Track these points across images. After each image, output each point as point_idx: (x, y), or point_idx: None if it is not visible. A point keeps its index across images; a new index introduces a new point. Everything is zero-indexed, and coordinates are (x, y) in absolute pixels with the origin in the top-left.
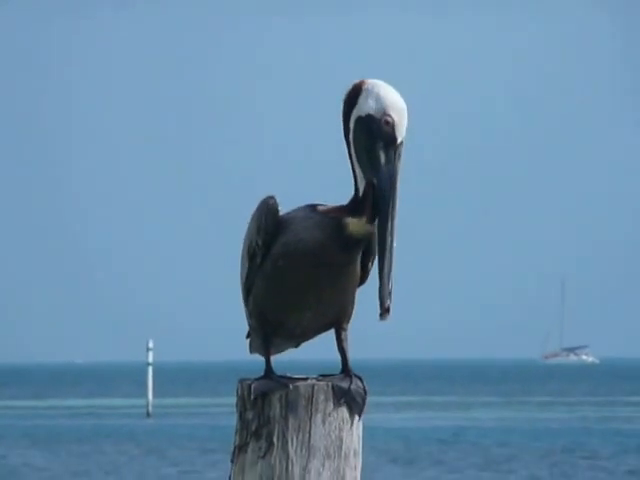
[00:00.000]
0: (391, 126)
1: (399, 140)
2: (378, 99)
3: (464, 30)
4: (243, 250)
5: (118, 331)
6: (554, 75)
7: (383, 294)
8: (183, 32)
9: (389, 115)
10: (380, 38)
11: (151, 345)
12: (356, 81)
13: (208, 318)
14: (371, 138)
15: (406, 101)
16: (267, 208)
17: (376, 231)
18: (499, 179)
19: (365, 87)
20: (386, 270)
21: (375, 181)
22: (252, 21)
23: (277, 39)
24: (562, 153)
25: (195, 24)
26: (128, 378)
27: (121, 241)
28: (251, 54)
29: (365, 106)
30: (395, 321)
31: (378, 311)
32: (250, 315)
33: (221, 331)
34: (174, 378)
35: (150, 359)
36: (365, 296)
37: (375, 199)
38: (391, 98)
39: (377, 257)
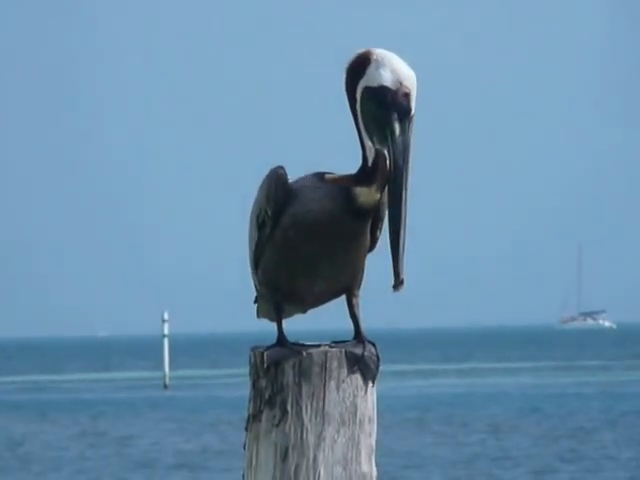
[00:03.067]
0: (408, 98)
1: (413, 111)
2: (393, 71)
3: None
4: (251, 220)
5: (142, 303)
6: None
7: (399, 266)
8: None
9: (406, 87)
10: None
11: (166, 317)
12: (361, 51)
13: (223, 288)
14: (385, 109)
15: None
16: (277, 177)
17: (389, 202)
18: (515, 143)
19: (374, 57)
20: (401, 242)
21: (389, 152)
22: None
23: (277, 8)
24: (579, 117)
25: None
26: (149, 350)
27: (137, 213)
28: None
29: (377, 77)
30: (408, 289)
31: (392, 282)
32: (260, 284)
33: (236, 301)
34: (191, 349)
35: (166, 331)
36: (376, 265)
37: (389, 170)
38: (405, 70)
39: (391, 228)
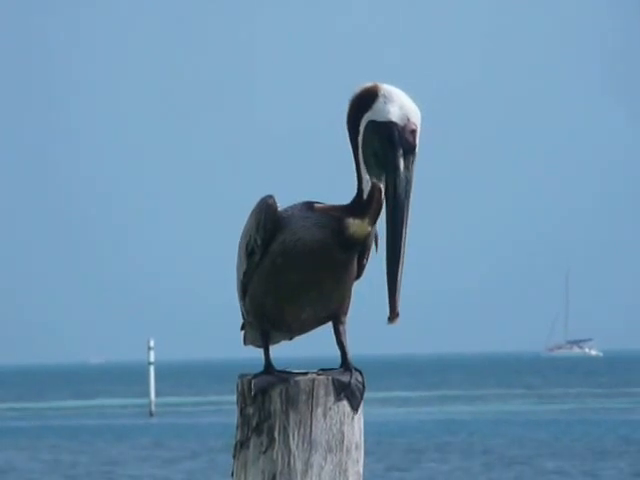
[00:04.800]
0: (414, 134)
1: (417, 148)
2: (401, 107)
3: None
4: (240, 248)
5: (132, 331)
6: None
7: (396, 300)
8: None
9: (413, 124)
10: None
11: (152, 344)
12: (368, 84)
13: (209, 315)
14: (392, 145)
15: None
16: (266, 206)
17: (388, 236)
18: (500, 171)
19: (382, 92)
20: (399, 276)
21: (391, 187)
22: (245, 20)
23: (273, 34)
24: (569, 141)
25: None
26: (138, 377)
27: (124, 239)
28: (250, 47)
29: (385, 112)
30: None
31: (387, 315)
32: (247, 311)
33: (222, 328)
34: (177, 376)
35: (152, 358)
36: (369, 294)
37: (388, 204)
38: (413, 107)
39: (389, 262)
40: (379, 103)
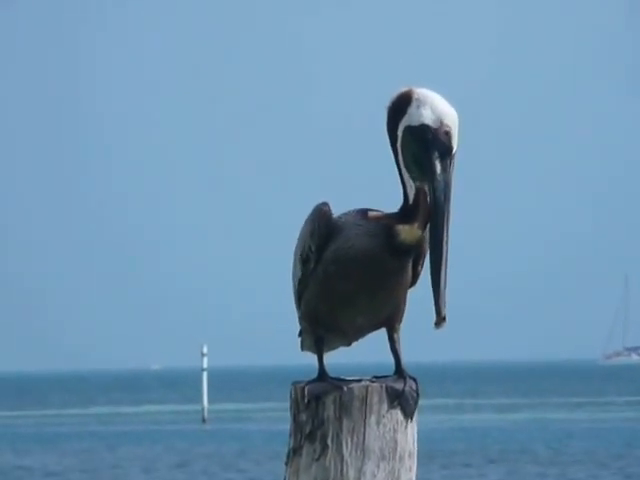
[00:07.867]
0: (449, 136)
1: (455, 149)
2: (434, 109)
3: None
4: (296, 255)
5: (191, 337)
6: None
7: (440, 303)
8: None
9: (447, 125)
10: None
11: (205, 350)
12: (403, 89)
13: (264, 321)
14: (426, 148)
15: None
16: (321, 214)
17: (430, 239)
18: (556, 168)
19: (416, 97)
20: (442, 279)
21: (430, 190)
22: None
23: (320, 42)
24: (627, 142)
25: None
26: (192, 383)
27: (175, 246)
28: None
29: (418, 116)
30: (450, 322)
31: (434, 320)
32: (302, 318)
33: (276, 334)
34: (230, 383)
35: (205, 364)
36: (419, 300)
37: (430, 208)
38: (447, 108)
39: (432, 266)
40: (412, 107)
